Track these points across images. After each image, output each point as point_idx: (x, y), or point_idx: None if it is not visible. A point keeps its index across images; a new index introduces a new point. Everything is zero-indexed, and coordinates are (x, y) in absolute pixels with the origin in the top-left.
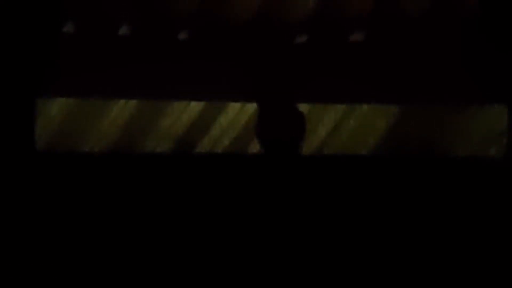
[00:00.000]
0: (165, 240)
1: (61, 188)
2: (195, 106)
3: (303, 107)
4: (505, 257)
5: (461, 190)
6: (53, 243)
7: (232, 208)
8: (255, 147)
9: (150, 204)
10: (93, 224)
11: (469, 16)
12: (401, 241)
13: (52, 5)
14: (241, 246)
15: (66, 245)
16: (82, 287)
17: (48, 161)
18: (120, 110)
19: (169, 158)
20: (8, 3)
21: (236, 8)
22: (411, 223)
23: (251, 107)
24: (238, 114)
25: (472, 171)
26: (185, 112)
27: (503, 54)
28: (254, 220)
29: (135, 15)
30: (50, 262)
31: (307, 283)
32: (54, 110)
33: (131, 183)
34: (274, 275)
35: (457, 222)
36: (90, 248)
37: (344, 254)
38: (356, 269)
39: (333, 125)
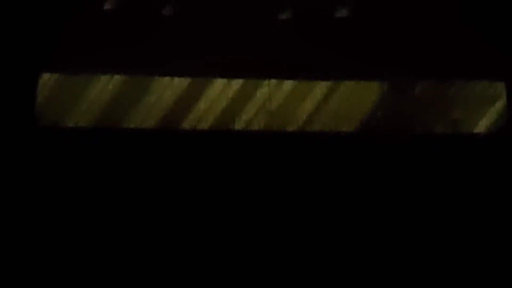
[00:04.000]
0: (153, 218)
1: (43, 163)
2: (180, 82)
3: (288, 84)
4: (492, 240)
5: (445, 167)
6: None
7: (217, 185)
8: (240, 124)
9: (131, 181)
10: (74, 204)
11: None
12: (384, 220)
13: None
14: (225, 225)
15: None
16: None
17: (30, 136)
18: (104, 86)
19: (154, 134)
20: None
21: None
22: (395, 202)
23: (236, 83)
24: (223, 90)
25: (456, 148)
26: (169, 88)
27: (496, 31)
28: (238, 198)
29: None
30: (43, 231)
31: (292, 264)
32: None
33: (115, 159)
34: (259, 254)
35: (442, 201)
36: (77, 219)
37: (329, 236)
38: (336, 252)
39: (318, 102)
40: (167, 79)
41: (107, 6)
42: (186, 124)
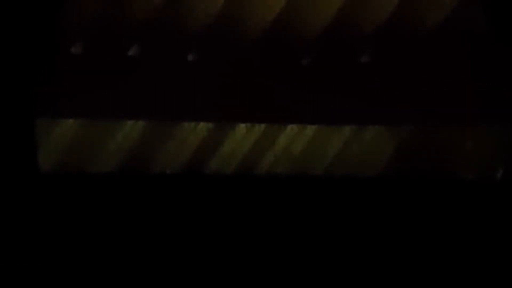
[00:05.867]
0: (173, 262)
1: (66, 210)
2: (203, 127)
3: (311, 129)
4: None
5: (468, 211)
6: (57, 266)
7: (241, 229)
8: (263, 168)
9: (157, 225)
10: (98, 246)
11: (476, 36)
12: (407, 262)
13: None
14: (248, 267)
15: (71, 269)
16: None
17: (53, 183)
18: (128, 132)
19: (178, 178)
20: (5, 19)
21: (245, 29)
22: (418, 244)
23: (259, 128)
24: (246, 135)
25: (480, 193)
26: (192, 133)
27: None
28: (261, 242)
29: (144, 36)
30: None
31: None
32: (61, 131)
33: (139, 204)
34: None
35: (465, 243)
36: (97, 270)
37: (350, 277)
38: None
39: (341, 147)
40: (190, 124)
41: (131, 53)
42: (209, 169)
